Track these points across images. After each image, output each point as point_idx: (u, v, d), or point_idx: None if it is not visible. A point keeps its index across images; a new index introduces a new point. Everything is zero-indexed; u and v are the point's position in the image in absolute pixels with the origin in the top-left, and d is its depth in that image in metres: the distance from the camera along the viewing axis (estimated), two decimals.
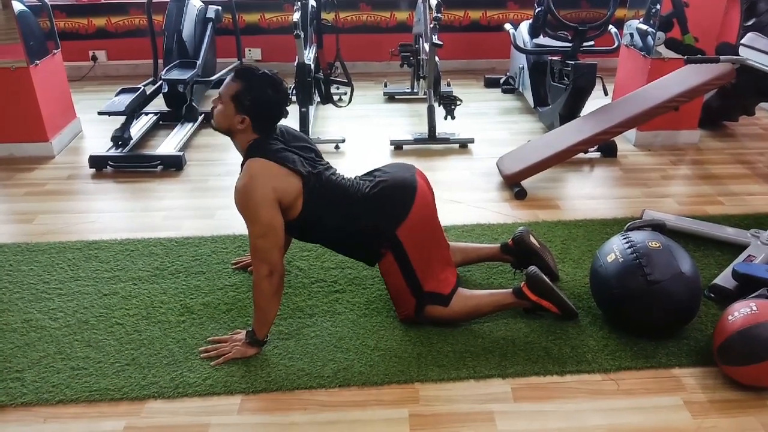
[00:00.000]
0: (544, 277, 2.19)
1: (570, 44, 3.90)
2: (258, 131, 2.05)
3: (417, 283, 2.15)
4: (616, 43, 4.01)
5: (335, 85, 4.21)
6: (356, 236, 2.16)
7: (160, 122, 4.19)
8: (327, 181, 2.13)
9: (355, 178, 2.23)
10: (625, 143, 3.89)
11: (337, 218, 2.12)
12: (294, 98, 3.95)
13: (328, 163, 2.23)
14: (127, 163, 3.57)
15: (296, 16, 3.68)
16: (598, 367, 2.05)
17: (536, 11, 4.35)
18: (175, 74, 4.09)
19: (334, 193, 2.12)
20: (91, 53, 5.34)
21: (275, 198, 1.97)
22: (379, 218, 2.12)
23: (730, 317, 1.96)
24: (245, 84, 2.01)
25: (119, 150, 3.63)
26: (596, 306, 2.30)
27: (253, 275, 2.04)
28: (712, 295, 2.36)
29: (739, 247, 2.60)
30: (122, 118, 3.72)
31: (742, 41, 2.90)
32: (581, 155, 3.53)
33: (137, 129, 3.93)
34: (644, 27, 3.70)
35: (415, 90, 4.73)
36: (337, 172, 2.23)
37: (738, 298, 2.12)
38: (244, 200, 1.96)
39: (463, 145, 3.88)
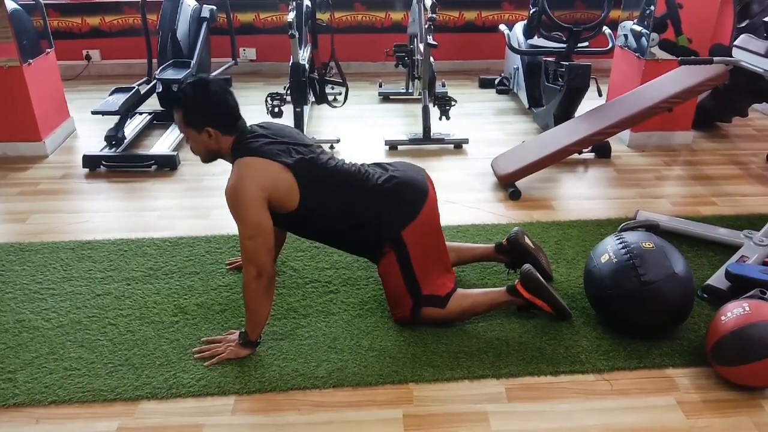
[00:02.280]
0: (538, 275, 2.19)
1: (564, 45, 3.91)
2: (228, 132, 2.04)
3: (416, 286, 2.14)
4: (611, 44, 4.03)
5: (330, 85, 4.21)
6: (359, 228, 2.13)
7: (154, 122, 4.18)
8: (323, 166, 2.09)
9: (362, 165, 2.20)
10: (619, 144, 3.90)
11: (340, 205, 2.09)
12: (289, 98, 3.95)
13: (321, 148, 2.20)
14: (121, 163, 3.56)
15: (291, 16, 3.68)
16: (592, 367, 2.05)
17: (531, 12, 4.35)
18: (170, 74, 4.07)
19: (335, 180, 2.09)
20: (84, 52, 5.32)
21: (264, 197, 1.95)
22: (387, 214, 2.11)
23: (723, 317, 1.97)
24: (183, 105, 2.03)
25: (113, 149, 3.62)
26: (590, 306, 2.30)
27: (243, 276, 2.03)
28: (706, 295, 2.37)
29: (732, 248, 2.61)
30: (116, 118, 3.70)
31: (736, 43, 2.93)
32: (575, 156, 3.54)
33: (131, 128, 3.92)
34: (638, 28, 3.71)
35: (410, 90, 4.73)
36: (335, 156, 2.19)
37: (731, 299, 2.13)
38: (233, 201, 1.95)
39: (458, 145, 3.88)
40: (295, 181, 2.02)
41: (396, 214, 2.11)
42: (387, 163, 2.25)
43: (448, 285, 2.21)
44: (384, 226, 2.11)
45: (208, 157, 2.11)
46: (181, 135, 3.84)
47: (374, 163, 2.25)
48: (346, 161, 2.20)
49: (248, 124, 2.15)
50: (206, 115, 2.01)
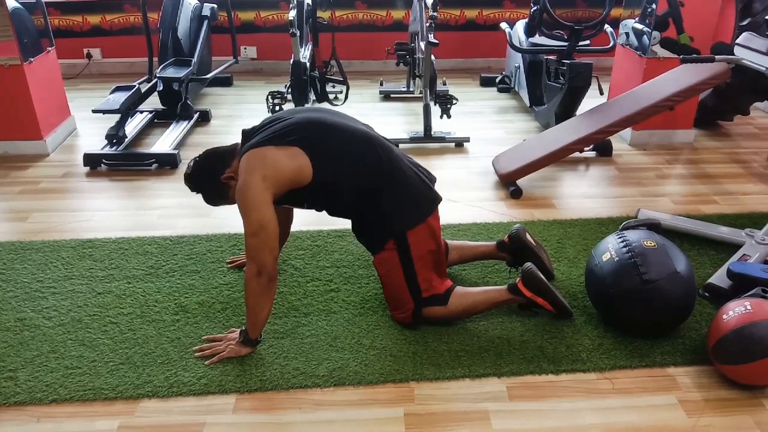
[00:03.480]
0: (540, 273, 2.19)
1: (566, 43, 3.91)
2: (231, 161, 2.10)
3: (417, 288, 2.14)
4: (612, 43, 4.02)
5: (331, 84, 4.21)
6: (370, 206, 2.11)
7: (155, 120, 4.18)
8: (333, 128, 2.08)
9: (384, 138, 2.20)
10: (620, 142, 3.89)
11: (347, 182, 2.07)
12: (290, 96, 3.95)
13: (328, 109, 2.20)
14: (122, 162, 3.56)
15: (292, 14, 3.68)
16: (593, 366, 2.05)
17: (532, 10, 4.35)
18: (171, 72, 4.08)
19: (349, 145, 2.07)
20: (85, 51, 5.32)
21: (267, 187, 1.94)
22: (396, 206, 2.10)
23: (724, 316, 1.97)
24: (207, 197, 2.21)
25: (114, 148, 3.61)
26: (591, 305, 2.30)
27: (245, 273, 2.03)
28: (707, 294, 2.37)
29: (733, 247, 2.61)
30: (117, 116, 3.70)
31: (738, 41, 2.92)
32: (577, 154, 3.53)
33: (132, 127, 3.92)
34: (640, 26, 3.70)
35: (411, 89, 4.72)
36: (347, 117, 2.20)
37: (732, 298, 2.13)
38: (238, 199, 1.97)
39: (459, 144, 3.88)
40: (302, 152, 1.99)
41: (405, 211, 2.11)
42: (407, 155, 2.26)
43: (446, 284, 2.22)
44: (391, 220, 2.10)
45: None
46: (182, 133, 3.88)
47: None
48: (362, 123, 2.20)
49: (251, 124, 2.16)
50: (212, 179, 2.13)
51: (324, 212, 2.22)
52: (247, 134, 2.12)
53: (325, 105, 4.20)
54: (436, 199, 2.23)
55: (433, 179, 2.30)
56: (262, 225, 1.94)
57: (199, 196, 2.22)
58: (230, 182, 2.09)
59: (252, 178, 1.94)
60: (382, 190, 2.09)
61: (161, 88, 4.13)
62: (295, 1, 3.90)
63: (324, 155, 2.02)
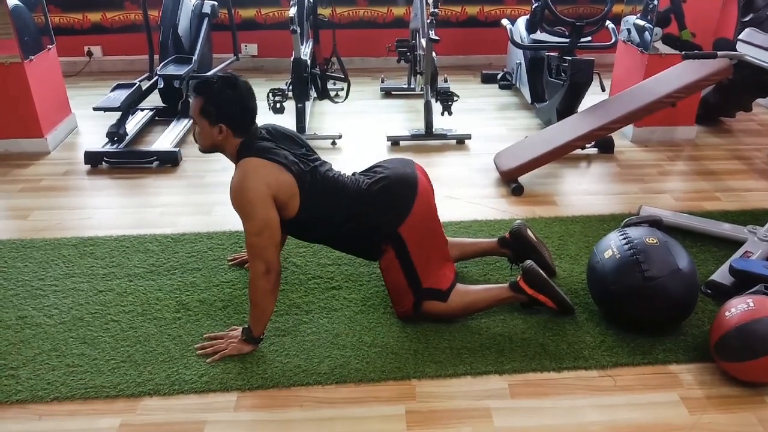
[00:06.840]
0: (540, 270, 2.19)
1: (567, 40, 3.90)
2: (239, 134, 2.03)
3: (416, 280, 2.14)
4: (614, 39, 4.01)
5: (332, 81, 4.20)
6: (359, 233, 2.15)
7: (156, 118, 4.17)
8: (323, 178, 2.12)
9: (353, 175, 2.23)
10: (622, 139, 3.88)
11: (339, 216, 2.11)
12: (290, 94, 3.94)
13: (320, 158, 2.22)
14: (123, 159, 3.55)
15: (293, 12, 3.67)
16: (595, 363, 2.04)
17: (533, 7, 4.33)
18: (171, 70, 4.07)
19: (333, 190, 2.11)
20: (86, 48, 5.31)
21: (269, 194, 1.96)
22: (382, 215, 2.12)
23: (727, 313, 1.96)
24: (205, 95, 1.99)
25: (115, 146, 3.61)
26: (593, 302, 2.29)
27: (249, 272, 2.03)
28: (709, 291, 2.36)
29: (736, 243, 2.60)
30: (118, 114, 3.70)
31: (740, 37, 2.90)
32: (578, 151, 3.53)
33: (133, 125, 3.92)
34: (641, 23, 3.69)
35: (412, 86, 4.71)
36: (333, 168, 2.22)
37: (735, 295, 2.12)
38: (239, 198, 1.96)
39: (460, 141, 3.87)
40: (296, 186, 2.03)
41: (390, 213, 2.12)
42: (376, 165, 2.28)
43: (448, 276, 2.22)
44: (381, 226, 2.13)
45: (211, 149, 2.09)
46: (184, 130, 3.87)
47: (365, 170, 2.27)
48: (342, 172, 2.23)
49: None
50: (225, 114, 1.99)
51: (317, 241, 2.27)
52: (256, 133, 2.08)
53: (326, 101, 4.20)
54: (415, 182, 2.16)
55: (409, 162, 2.28)
56: (267, 223, 1.95)
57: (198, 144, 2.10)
58: (213, 128, 1.99)
59: (254, 180, 1.95)
60: (366, 211, 2.12)
61: (162, 86, 4.13)
62: None
63: (313, 195, 2.06)
